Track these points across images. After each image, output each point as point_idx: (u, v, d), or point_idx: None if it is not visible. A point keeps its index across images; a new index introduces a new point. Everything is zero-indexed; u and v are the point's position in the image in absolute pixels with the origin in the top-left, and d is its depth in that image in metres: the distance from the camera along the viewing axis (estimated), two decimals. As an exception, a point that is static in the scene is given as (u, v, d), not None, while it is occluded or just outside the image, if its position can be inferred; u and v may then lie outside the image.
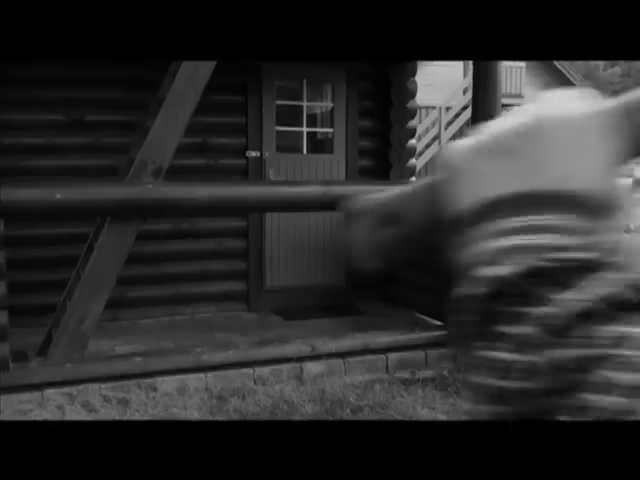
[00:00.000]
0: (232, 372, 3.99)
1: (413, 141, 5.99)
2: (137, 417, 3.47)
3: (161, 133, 3.88)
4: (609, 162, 0.84)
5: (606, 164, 0.83)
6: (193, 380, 3.88)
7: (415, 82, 5.91)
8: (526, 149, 0.85)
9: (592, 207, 0.80)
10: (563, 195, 0.81)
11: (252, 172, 5.52)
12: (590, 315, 0.75)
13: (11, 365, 3.64)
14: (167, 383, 3.83)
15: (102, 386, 3.71)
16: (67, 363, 3.73)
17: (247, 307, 5.61)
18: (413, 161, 6.00)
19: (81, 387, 3.67)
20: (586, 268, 0.77)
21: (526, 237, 0.80)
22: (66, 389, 3.66)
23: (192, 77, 3.89)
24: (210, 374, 3.94)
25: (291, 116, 5.74)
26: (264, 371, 4.06)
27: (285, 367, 4.12)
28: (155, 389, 3.77)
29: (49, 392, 3.63)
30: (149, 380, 3.81)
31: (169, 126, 3.88)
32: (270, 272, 5.65)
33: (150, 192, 3.86)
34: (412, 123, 5.92)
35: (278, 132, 5.61)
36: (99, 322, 3.91)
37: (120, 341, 4.57)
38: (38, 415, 3.44)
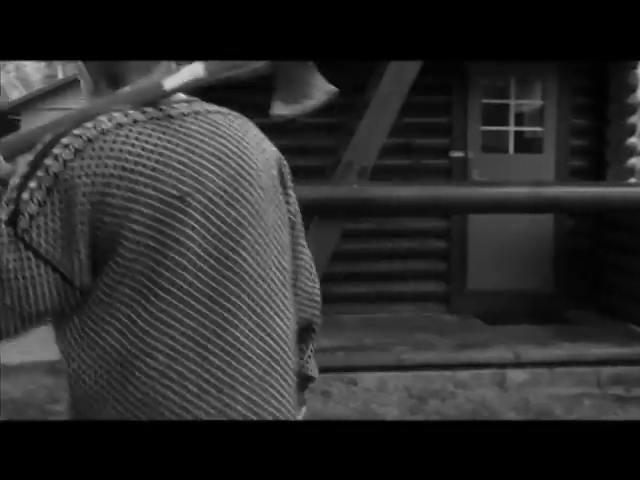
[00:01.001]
0: (432, 374, 3.96)
1: (633, 139, 5.53)
2: (338, 410, 3.57)
3: (367, 134, 3.95)
4: None
5: None
6: (393, 378, 3.91)
7: (637, 75, 5.44)
8: None
9: None
10: None
11: (456, 173, 5.44)
12: None
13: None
14: (367, 379, 3.90)
15: (306, 377, 3.87)
16: (274, 353, 3.94)
17: (447, 309, 5.54)
18: (633, 161, 5.53)
19: (287, 377, 3.86)
20: None
21: None
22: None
23: (398, 78, 3.91)
24: (409, 374, 3.94)
25: (497, 115, 5.57)
26: (464, 375, 3.98)
27: (486, 372, 4.01)
28: (356, 384, 3.86)
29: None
30: (350, 375, 3.90)
31: (374, 127, 3.95)
32: (473, 274, 5.53)
33: (355, 192, 3.95)
34: (632, 119, 5.46)
35: (483, 132, 5.47)
36: (304, 316, 4.07)
37: (323, 335, 4.72)
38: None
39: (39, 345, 4.42)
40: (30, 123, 20.75)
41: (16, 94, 38.54)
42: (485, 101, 5.47)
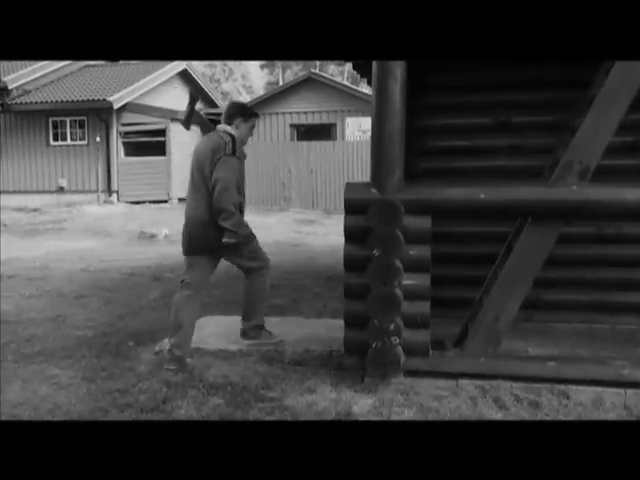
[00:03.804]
0: (656, 393, 3.61)
1: None
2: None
3: (590, 132, 3.70)
4: None
5: None
6: (610, 395, 3.63)
7: None
8: None
9: None
10: None
11: (692, 173, 4.91)
12: None
13: (431, 352, 3.91)
14: (581, 393, 3.66)
15: (513, 385, 3.73)
16: (481, 357, 3.85)
17: (678, 323, 5.03)
18: None
19: (494, 382, 3.75)
20: None
21: None
22: (479, 382, 3.77)
23: (627, 74, 3.62)
24: (630, 391, 3.63)
25: None
26: (695, 398, 3.58)
27: None
28: (568, 397, 3.63)
29: (463, 382, 3.80)
30: (562, 387, 3.69)
31: (599, 125, 3.69)
32: None
33: (574, 193, 3.72)
34: None
35: None
36: (513, 321, 3.94)
37: (533, 343, 4.53)
38: (452, 402, 3.62)
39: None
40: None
41: (241, 100, 41.61)
42: None
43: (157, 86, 22.58)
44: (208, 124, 4.53)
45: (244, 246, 4.32)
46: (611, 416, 3.47)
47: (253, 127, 4.54)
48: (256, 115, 4.60)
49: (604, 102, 3.68)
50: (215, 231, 4.20)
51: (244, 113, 4.48)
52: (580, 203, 3.74)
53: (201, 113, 4.51)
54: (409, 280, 3.84)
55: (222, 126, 4.40)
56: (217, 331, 4.96)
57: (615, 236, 5.05)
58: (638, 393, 3.62)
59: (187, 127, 4.64)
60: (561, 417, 3.45)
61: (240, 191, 4.35)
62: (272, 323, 4.73)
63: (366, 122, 19.78)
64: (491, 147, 5.19)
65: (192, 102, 4.58)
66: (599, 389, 3.67)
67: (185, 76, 24.68)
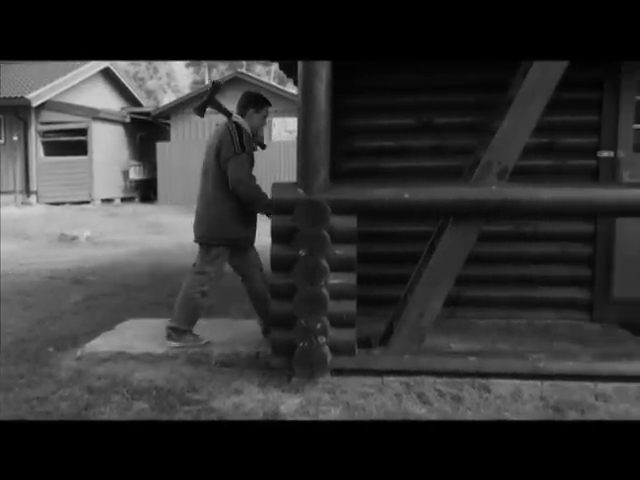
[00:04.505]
0: (571, 384, 3.77)
1: None
2: (469, 415, 3.49)
3: (508, 133, 3.83)
4: None
5: None
6: (528, 387, 3.77)
7: None
8: None
9: None
10: None
11: (603, 174, 5.14)
12: None
13: (357, 350, 3.95)
14: (501, 386, 3.78)
15: (437, 380, 3.82)
16: (406, 354, 3.92)
17: (590, 317, 5.26)
18: None
19: (418, 378, 3.83)
20: None
21: None
22: (404, 378, 3.84)
23: (543, 75, 3.76)
24: (546, 383, 3.78)
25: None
26: (607, 387, 3.75)
27: (632, 386, 3.76)
28: (489, 390, 3.75)
29: (389, 379, 3.86)
30: (483, 380, 3.80)
31: (517, 126, 3.82)
32: (619, 281, 5.21)
33: (493, 193, 3.84)
34: None
35: (636, 130, 5.13)
36: (436, 318, 4.03)
37: (456, 339, 4.65)
38: (378, 399, 3.67)
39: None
40: (178, 126, 21.95)
41: (166, 99, 40.93)
42: (639, 98, 5.13)
43: (78, 84, 21.94)
44: (226, 111, 4.58)
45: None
46: (529, 408, 3.60)
47: (266, 117, 4.64)
48: (268, 104, 4.67)
49: (522, 103, 3.81)
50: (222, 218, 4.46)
51: (256, 103, 4.58)
52: (499, 202, 3.86)
53: (220, 102, 4.64)
54: (335, 279, 3.87)
55: (236, 117, 4.52)
56: (142, 334, 4.86)
57: (532, 234, 5.24)
58: (553, 384, 3.77)
59: (201, 114, 4.68)
60: (482, 410, 3.55)
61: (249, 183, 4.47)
62: (199, 325, 4.67)
63: (293, 122, 19.82)
64: (414, 148, 5.28)
65: (214, 90, 4.58)
66: (517, 382, 3.80)
67: (108, 74, 24.08)
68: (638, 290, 5.18)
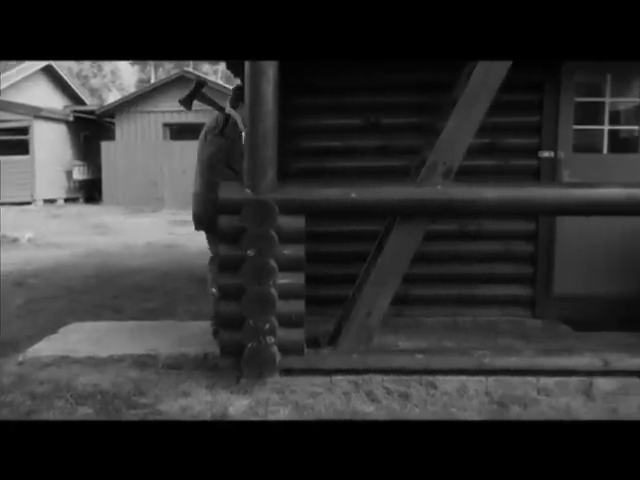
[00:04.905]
0: (514, 379, 3.86)
1: None
2: (416, 412, 3.54)
3: (453, 134, 3.90)
4: None
5: None
6: (473, 382, 3.84)
7: None
8: None
9: None
10: None
11: (545, 173, 5.28)
12: None
13: (306, 350, 3.96)
14: (447, 382, 3.84)
15: (385, 378, 3.86)
16: (354, 353, 3.95)
17: (532, 313, 5.39)
18: None
19: (366, 377, 3.86)
20: None
21: None
22: (352, 377, 3.87)
23: (487, 76, 3.84)
24: (491, 379, 3.86)
25: (591, 114, 5.37)
26: (548, 382, 3.86)
27: (572, 380, 3.87)
28: (435, 387, 3.81)
29: (337, 378, 3.88)
30: (429, 377, 3.86)
31: (461, 126, 3.89)
32: (560, 278, 5.36)
33: (438, 193, 3.90)
34: None
35: (575, 131, 5.29)
36: (384, 317, 4.07)
37: (403, 337, 4.71)
38: (326, 399, 3.69)
39: (127, 341, 4.59)
40: (123, 125, 21.57)
41: (111, 97, 40.19)
42: (578, 99, 5.29)
43: (19, 82, 21.35)
44: (217, 105, 4.68)
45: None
46: (474, 403, 3.67)
47: None
48: None
49: (466, 104, 3.88)
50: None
51: None
52: (444, 202, 3.93)
53: (208, 96, 4.81)
54: (284, 279, 3.87)
55: (229, 110, 4.61)
56: (87, 338, 4.76)
57: (477, 233, 5.33)
58: (498, 380, 3.86)
59: (188, 107, 4.79)
60: (429, 407, 3.61)
61: (231, 167, 4.50)
62: (145, 327, 4.61)
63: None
64: (361, 148, 5.32)
65: (198, 86, 4.70)
66: (463, 378, 3.87)
67: (50, 72, 23.50)
68: (577, 287, 5.34)
